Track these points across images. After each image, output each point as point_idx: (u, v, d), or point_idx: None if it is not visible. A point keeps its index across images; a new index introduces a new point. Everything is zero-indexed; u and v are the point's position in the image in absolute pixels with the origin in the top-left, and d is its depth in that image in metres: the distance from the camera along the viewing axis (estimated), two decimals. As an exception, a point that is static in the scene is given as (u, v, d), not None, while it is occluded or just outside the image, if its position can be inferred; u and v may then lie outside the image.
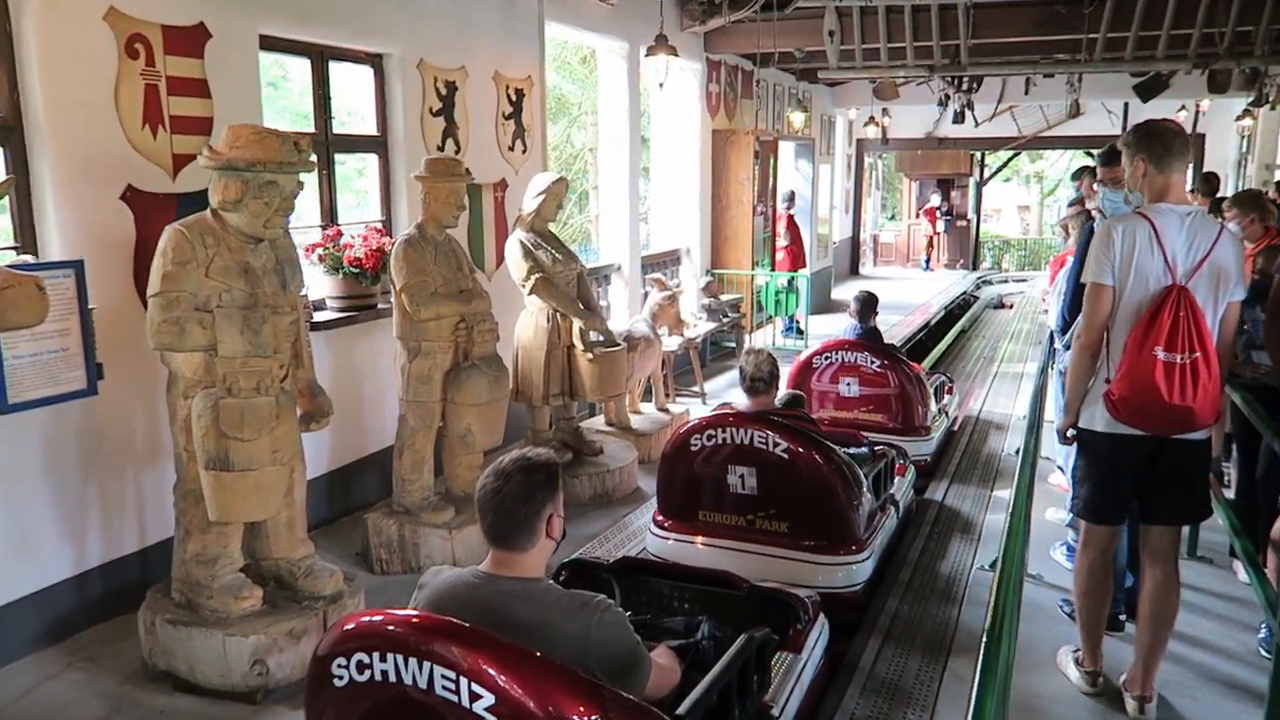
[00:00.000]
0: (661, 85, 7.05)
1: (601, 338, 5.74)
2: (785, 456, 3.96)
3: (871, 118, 13.78)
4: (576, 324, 5.56)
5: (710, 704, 2.39)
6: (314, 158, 3.63)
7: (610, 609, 2.18)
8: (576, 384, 5.68)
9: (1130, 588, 4.02)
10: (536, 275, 5.46)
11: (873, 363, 6.00)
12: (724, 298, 9.55)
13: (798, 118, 10.40)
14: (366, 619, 2.03)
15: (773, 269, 11.23)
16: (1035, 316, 13.13)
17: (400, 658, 1.93)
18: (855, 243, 19.05)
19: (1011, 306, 15.73)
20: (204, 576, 3.50)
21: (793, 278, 11.09)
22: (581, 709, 1.87)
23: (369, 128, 5.58)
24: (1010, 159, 23.89)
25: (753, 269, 10.45)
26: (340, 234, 5.12)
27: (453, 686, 1.88)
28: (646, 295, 7.37)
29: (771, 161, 10.97)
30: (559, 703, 1.86)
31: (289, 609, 3.58)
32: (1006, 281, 19.36)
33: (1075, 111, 10.37)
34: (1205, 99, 14.28)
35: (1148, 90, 11.62)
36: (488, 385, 4.61)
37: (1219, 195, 8.64)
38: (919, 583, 4.46)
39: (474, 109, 6.15)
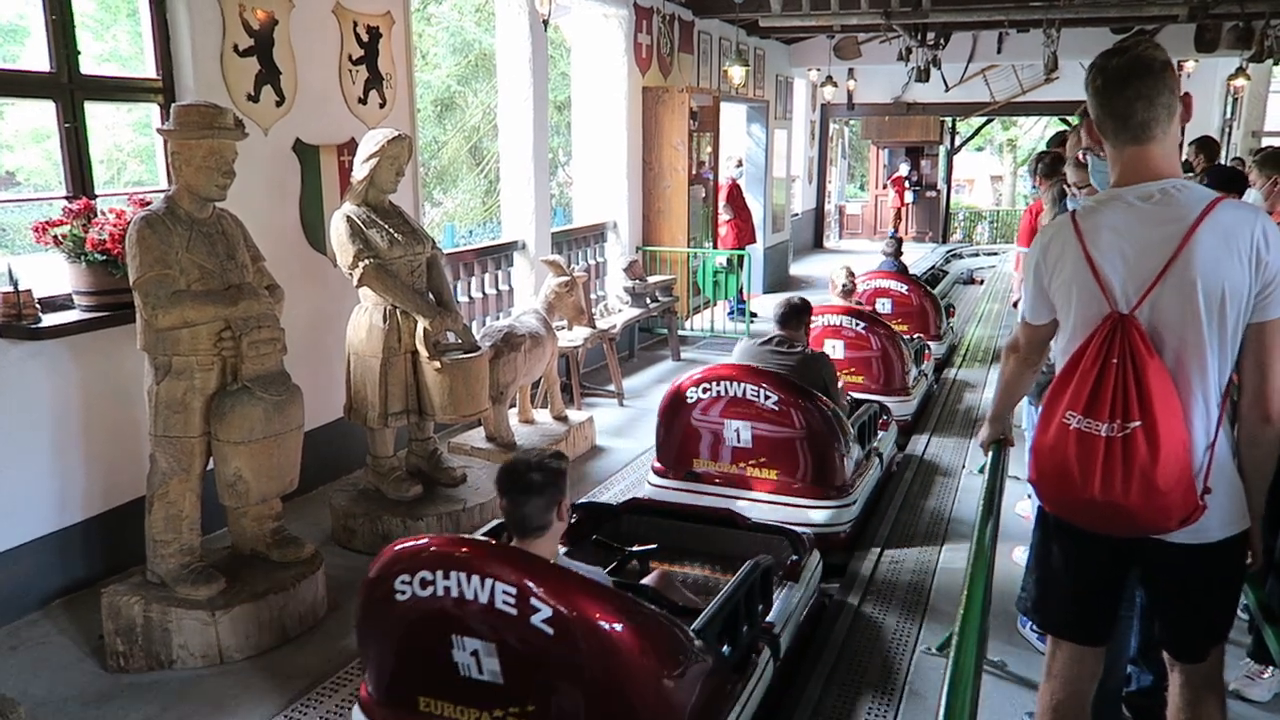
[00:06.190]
0: (546, 24, 5.79)
1: (456, 340, 4.55)
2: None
3: (829, 78, 12.48)
4: (421, 323, 4.34)
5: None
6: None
7: None
8: (425, 399, 4.48)
9: (1146, 689, 2.92)
10: (366, 261, 4.24)
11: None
12: (652, 279, 8.32)
13: (736, 73, 9.12)
14: None
15: (715, 245, 10.01)
16: (1006, 296, 12.08)
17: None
18: (820, 214, 17.86)
19: (982, 283, 14.76)
20: None
21: (738, 255, 9.88)
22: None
23: (146, 69, 4.31)
24: (983, 126, 22.75)
25: (690, 245, 9.22)
26: (91, 208, 3.87)
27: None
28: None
29: (712, 125, 9.73)
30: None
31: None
32: (978, 255, 18.33)
33: (1052, 66, 9.18)
34: (1191, 59, 13.19)
35: (1131, 46, 10.53)
36: (263, 416, 3.41)
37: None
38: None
39: (305, 50, 4.88)
